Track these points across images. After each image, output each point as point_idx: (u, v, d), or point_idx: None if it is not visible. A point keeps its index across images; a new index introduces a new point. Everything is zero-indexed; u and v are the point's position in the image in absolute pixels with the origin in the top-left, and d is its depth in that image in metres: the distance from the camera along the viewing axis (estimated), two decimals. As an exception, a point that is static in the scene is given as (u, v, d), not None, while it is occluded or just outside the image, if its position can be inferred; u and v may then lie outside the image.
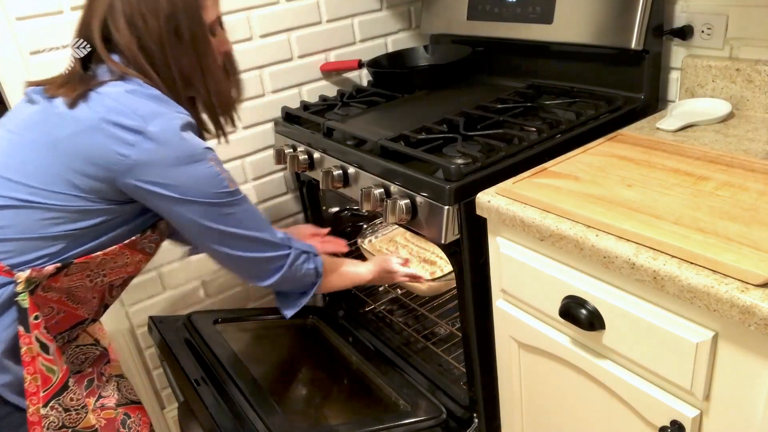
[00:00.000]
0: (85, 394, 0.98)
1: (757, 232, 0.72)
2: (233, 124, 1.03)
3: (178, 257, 1.54)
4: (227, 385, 1.17)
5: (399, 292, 1.66)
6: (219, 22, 0.96)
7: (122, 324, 1.51)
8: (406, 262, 1.27)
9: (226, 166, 1.52)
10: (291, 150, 1.40)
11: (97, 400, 1.00)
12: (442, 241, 1.02)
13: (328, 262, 1.13)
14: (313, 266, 1.08)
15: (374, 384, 1.33)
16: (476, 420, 1.23)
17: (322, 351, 1.47)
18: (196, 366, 1.22)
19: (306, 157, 1.35)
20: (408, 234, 1.57)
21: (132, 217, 0.92)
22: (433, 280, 1.35)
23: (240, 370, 1.22)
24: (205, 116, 0.98)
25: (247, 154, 1.57)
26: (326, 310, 1.64)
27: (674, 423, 0.79)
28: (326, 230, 1.41)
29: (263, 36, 1.49)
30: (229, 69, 1.01)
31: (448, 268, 1.35)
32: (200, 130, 0.95)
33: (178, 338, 1.31)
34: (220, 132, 1.01)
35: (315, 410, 1.25)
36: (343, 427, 1.14)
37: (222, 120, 1.00)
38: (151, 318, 1.36)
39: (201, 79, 0.92)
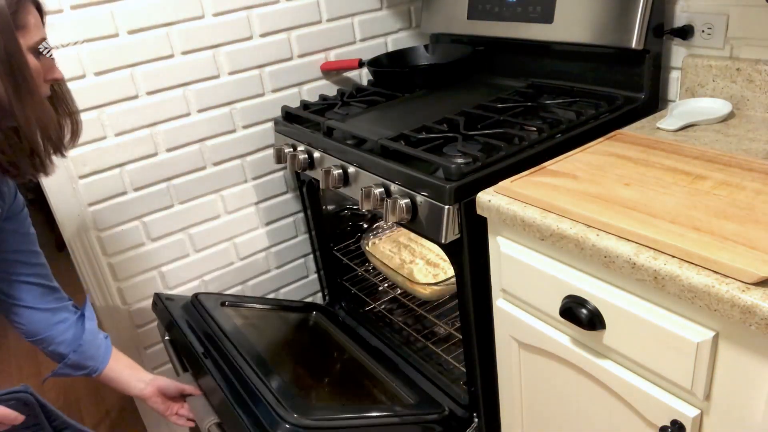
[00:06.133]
0: None
1: (752, 231, 0.72)
2: (49, 163, 0.86)
3: (179, 256, 1.54)
4: (235, 359, 1.17)
5: (398, 291, 1.67)
6: (44, 45, 0.82)
7: (123, 319, 1.51)
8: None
9: (225, 165, 1.54)
10: (291, 149, 1.40)
11: None
12: (443, 241, 1.02)
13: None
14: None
15: (377, 379, 1.33)
16: (476, 419, 1.23)
17: (325, 345, 1.48)
18: (201, 339, 1.23)
19: (306, 156, 1.35)
20: (411, 235, 1.57)
21: None
22: (436, 284, 1.35)
23: (247, 347, 1.21)
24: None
25: (246, 154, 1.57)
26: (327, 308, 1.65)
27: (675, 423, 0.79)
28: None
29: (263, 35, 1.49)
30: (56, 102, 0.88)
31: (452, 271, 1.35)
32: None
33: (184, 314, 1.32)
34: (35, 169, 0.85)
35: (322, 393, 1.25)
36: (353, 408, 1.14)
37: (44, 155, 0.84)
38: (157, 295, 1.36)
39: (18, 106, 0.78)
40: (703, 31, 1.17)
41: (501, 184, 0.96)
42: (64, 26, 1.24)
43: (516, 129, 1.13)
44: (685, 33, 1.19)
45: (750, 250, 0.68)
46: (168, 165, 1.46)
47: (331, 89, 1.65)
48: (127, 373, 1.17)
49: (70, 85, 1.28)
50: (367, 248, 1.55)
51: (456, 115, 1.23)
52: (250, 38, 1.47)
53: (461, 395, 1.27)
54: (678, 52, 1.23)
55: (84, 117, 1.32)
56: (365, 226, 1.73)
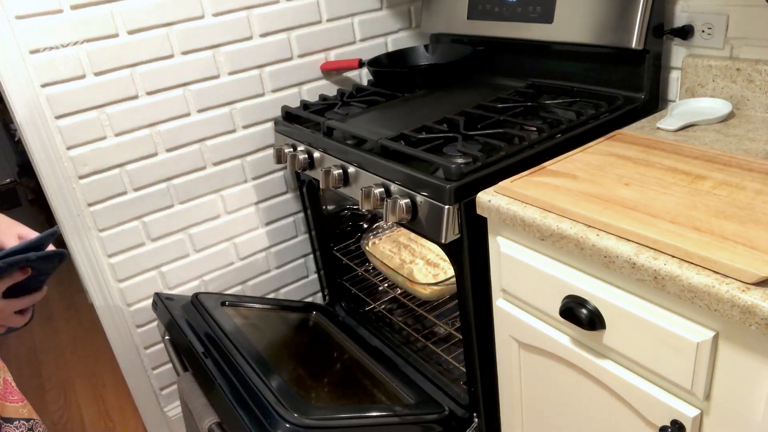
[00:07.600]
0: None
1: (752, 231, 0.72)
2: None
3: (179, 256, 1.54)
4: (235, 359, 1.17)
5: (398, 291, 1.67)
6: None
7: (123, 319, 1.51)
8: None
9: (225, 165, 1.54)
10: (291, 149, 1.40)
11: None
12: (443, 241, 1.02)
13: None
14: None
15: (377, 378, 1.34)
16: (476, 419, 1.23)
17: (325, 345, 1.48)
18: (201, 339, 1.23)
19: (306, 156, 1.35)
20: (411, 235, 1.57)
21: None
22: (436, 284, 1.35)
23: (247, 347, 1.21)
24: None
25: (246, 154, 1.57)
26: (327, 308, 1.65)
27: (675, 423, 0.79)
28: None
29: (263, 35, 1.49)
30: None
31: (452, 271, 1.35)
32: None
33: (184, 314, 1.32)
34: None
35: (321, 393, 1.25)
36: (353, 408, 1.14)
37: None
38: (157, 295, 1.36)
39: None
40: (703, 31, 1.17)
41: (501, 184, 0.96)
42: (64, 26, 1.24)
43: (516, 129, 1.13)
44: (685, 33, 1.19)
45: (750, 250, 0.68)
46: (168, 165, 1.46)
47: (331, 89, 1.65)
48: None
49: (70, 85, 1.29)
50: (367, 248, 1.55)
51: (456, 115, 1.23)
52: (250, 38, 1.47)
53: (461, 395, 1.27)
54: (678, 52, 1.23)
55: (84, 117, 1.32)
56: (365, 226, 1.73)
